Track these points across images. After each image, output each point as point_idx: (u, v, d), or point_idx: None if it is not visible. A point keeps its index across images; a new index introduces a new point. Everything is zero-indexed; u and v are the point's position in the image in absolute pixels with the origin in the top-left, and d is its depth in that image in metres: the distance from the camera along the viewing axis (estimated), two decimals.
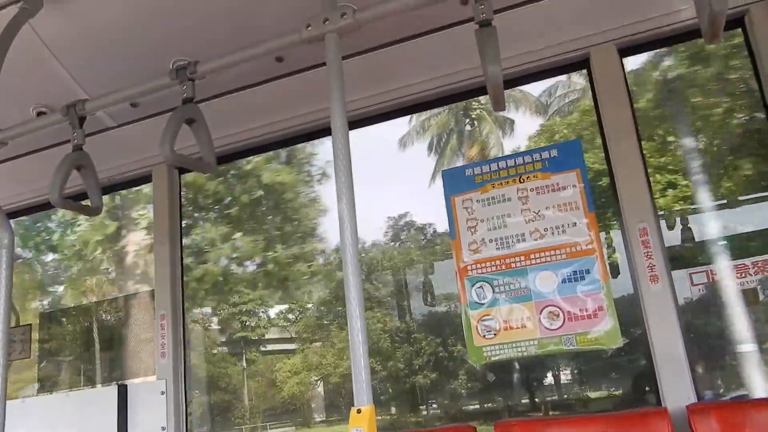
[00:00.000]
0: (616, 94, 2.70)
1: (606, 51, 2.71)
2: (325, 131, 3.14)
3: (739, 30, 2.65)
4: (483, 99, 15.17)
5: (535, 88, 21.84)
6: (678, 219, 6.09)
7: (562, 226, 2.72)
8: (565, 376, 14.01)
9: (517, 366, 12.92)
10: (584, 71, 2.86)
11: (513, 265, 2.76)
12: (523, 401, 13.71)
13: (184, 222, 3.60)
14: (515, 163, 2.85)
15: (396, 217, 17.65)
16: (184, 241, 3.55)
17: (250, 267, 15.76)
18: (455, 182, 2.94)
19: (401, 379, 15.34)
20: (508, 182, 2.85)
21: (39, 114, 2.97)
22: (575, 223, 2.70)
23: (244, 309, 17.68)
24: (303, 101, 2.99)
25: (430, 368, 14.78)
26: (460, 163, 22.26)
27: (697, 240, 5.70)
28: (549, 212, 2.75)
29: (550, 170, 2.79)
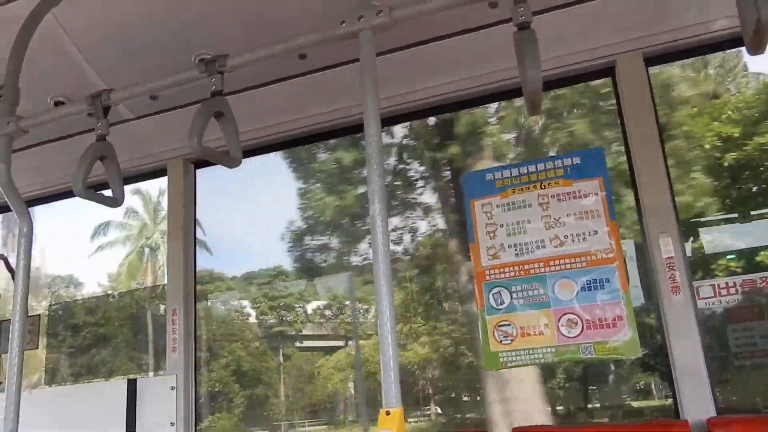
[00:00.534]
0: (641, 103, 2.69)
1: (632, 59, 2.70)
2: (350, 129, 3.13)
3: None
4: None
5: None
6: None
7: (583, 234, 2.70)
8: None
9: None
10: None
11: (532, 271, 2.75)
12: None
13: None
14: (536, 169, 2.84)
15: None
16: None
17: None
18: (475, 186, 2.92)
19: None
20: (528, 188, 2.83)
21: (57, 104, 2.96)
22: (596, 232, 2.68)
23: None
24: (326, 98, 2.97)
25: None
26: None
27: None
28: (570, 219, 2.73)
29: (572, 177, 2.77)
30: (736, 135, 8.25)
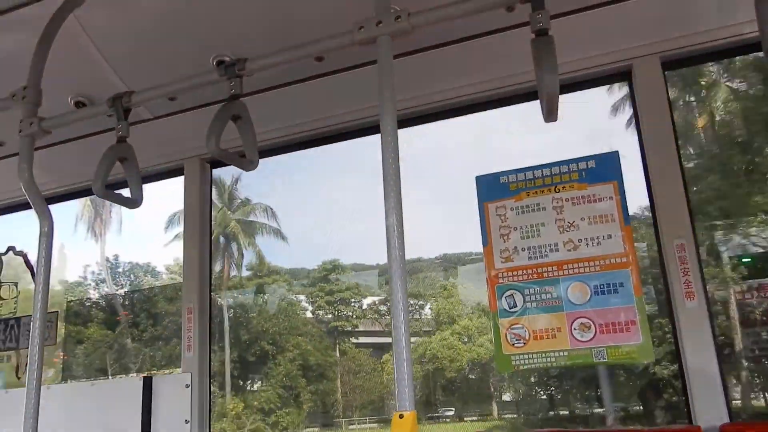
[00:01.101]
0: (658, 108, 2.68)
1: (649, 63, 2.69)
2: (365, 130, 3.14)
3: None
4: None
5: None
6: None
7: (597, 238, 2.70)
8: None
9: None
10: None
11: (545, 274, 2.75)
12: None
13: None
14: (551, 172, 2.84)
15: None
16: None
17: None
18: (489, 189, 2.93)
19: None
20: (543, 191, 2.83)
21: (77, 104, 3.00)
22: (611, 236, 2.68)
23: None
24: (342, 100, 2.99)
25: None
26: None
27: None
28: (584, 223, 2.73)
29: (587, 181, 2.77)
30: None
